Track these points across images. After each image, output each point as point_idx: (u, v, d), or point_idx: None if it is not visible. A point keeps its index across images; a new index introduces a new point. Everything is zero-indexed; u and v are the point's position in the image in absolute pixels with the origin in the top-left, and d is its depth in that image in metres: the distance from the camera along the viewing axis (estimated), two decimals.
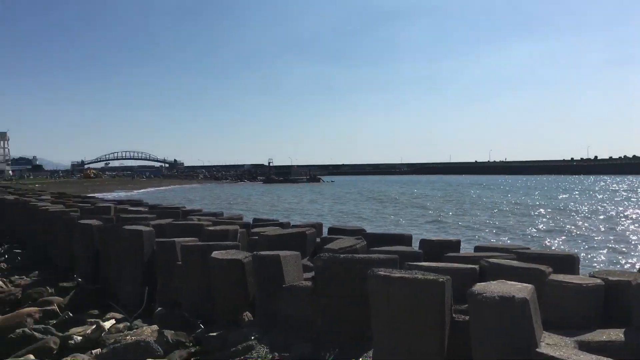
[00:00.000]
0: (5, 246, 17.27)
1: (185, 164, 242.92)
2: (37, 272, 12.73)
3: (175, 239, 8.87)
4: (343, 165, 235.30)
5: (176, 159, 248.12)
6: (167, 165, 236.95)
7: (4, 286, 11.27)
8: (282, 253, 6.81)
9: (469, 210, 44.01)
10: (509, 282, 4.65)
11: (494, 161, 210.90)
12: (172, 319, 7.57)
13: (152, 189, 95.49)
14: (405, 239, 9.22)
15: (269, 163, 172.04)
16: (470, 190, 76.78)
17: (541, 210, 42.43)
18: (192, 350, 6.52)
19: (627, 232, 27.62)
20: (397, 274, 4.79)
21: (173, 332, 6.84)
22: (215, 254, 7.44)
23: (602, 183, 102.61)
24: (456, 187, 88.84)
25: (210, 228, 10.04)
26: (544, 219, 35.10)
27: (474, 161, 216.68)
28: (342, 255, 6.12)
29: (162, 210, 14.77)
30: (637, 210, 41.53)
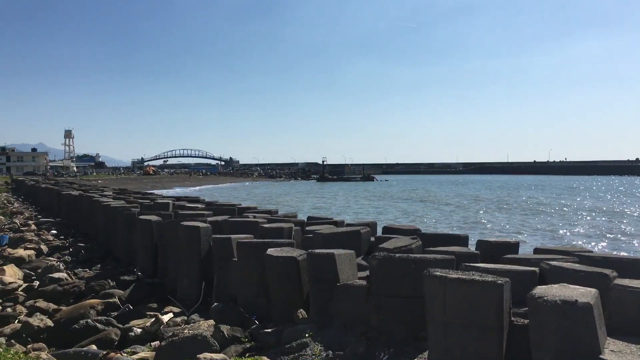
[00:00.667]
0: (70, 240, 17.97)
1: (241, 162, 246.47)
2: (99, 265, 13.19)
3: (231, 236, 9.00)
4: (397, 164, 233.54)
5: (232, 156, 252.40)
6: (222, 162, 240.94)
7: (68, 278, 11.73)
8: (336, 251, 6.81)
9: (516, 211, 42.89)
10: (571, 286, 4.52)
11: (554, 161, 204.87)
12: (228, 314, 7.68)
13: (208, 186, 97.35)
14: (462, 240, 9.08)
15: (323, 162, 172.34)
16: (527, 192, 74.72)
17: (598, 212, 40.92)
18: (248, 345, 6.60)
19: None
20: (453, 274, 4.71)
21: (229, 327, 6.94)
22: (271, 251, 7.51)
23: None
24: (511, 189, 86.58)
25: (265, 225, 10.15)
26: (601, 222, 33.84)
27: (532, 161, 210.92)
28: (397, 255, 6.07)
29: (219, 207, 15.02)
30: None
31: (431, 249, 7.46)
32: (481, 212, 41.82)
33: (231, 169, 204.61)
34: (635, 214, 39.48)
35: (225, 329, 6.85)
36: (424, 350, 5.22)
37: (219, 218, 11.58)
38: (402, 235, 8.79)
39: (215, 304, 8.27)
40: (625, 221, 34.39)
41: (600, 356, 3.91)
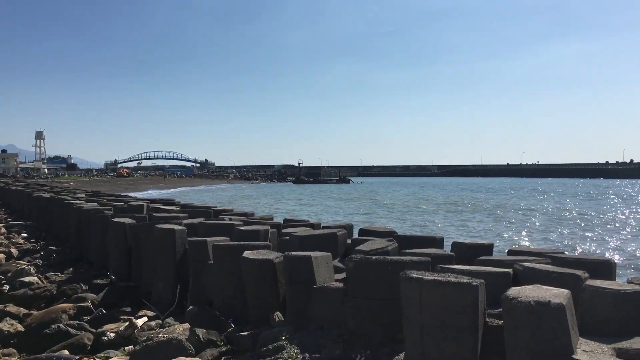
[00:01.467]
0: (41, 243, 17.67)
1: (216, 164, 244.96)
2: (71, 269, 12.99)
3: (207, 239, 8.94)
4: (373, 166, 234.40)
5: (207, 158, 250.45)
6: (198, 164, 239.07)
7: (39, 282, 11.53)
8: (313, 254, 6.81)
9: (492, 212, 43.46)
10: (545, 287, 4.58)
11: (526, 164, 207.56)
12: (203, 318, 7.63)
13: (183, 188, 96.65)
14: (437, 242, 9.14)
15: (299, 164, 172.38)
16: (502, 195, 75.68)
17: (573, 214, 41.64)
18: (223, 349, 6.56)
19: None
20: (429, 276, 4.75)
21: (204, 330, 6.89)
22: (247, 253, 7.48)
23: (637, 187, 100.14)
24: (469, 190, 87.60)
25: (241, 228, 10.10)
26: (573, 223, 34.47)
27: (506, 164, 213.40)
28: (374, 257, 6.10)
29: (194, 210, 14.91)
30: None
31: (407, 251, 7.50)
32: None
33: (206, 171, 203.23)
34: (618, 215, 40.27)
35: (200, 332, 6.80)
36: (400, 352, 5.24)
37: (195, 220, 11.49)
38: (378, 238, 8.82)
39: (191, 307, 8.20)
40: (611, 222, 35.13)
41: (573, 356, 3.97)
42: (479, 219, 37.83)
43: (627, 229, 31.08)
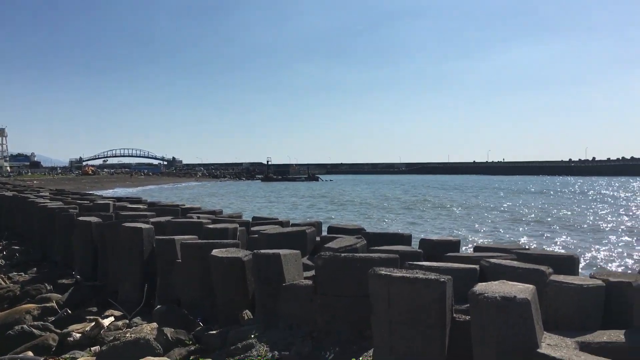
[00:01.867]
0: (4, 242, 17.26)
1: (184, 162, 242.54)
2: (35, 269, 12.72)
3: (174, 237, 8.86)
4: (342, 164, 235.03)
5: (174, 156, 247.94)
6: (165, 162, 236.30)
7: (2, 282, 11.27)
8: (282, 251, 6.80)
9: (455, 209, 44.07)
10: (510, 282, 4.66)
11: (492, 161, 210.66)
12: (171, 317, 7.56)
13: (150, 186, 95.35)
14: (405, 239, 9.22)
15: (268, 162, 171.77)
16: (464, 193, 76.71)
17: (534, 210, 42.45)
18: (192, 348, 6.51)
19: (624, 234, 27.62)
20: (398, 273, 4.79)
21: (173, 329, 6.83)
22: (215, 252, 7.44)
23: (599, 184, 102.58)
24: (450, 189, 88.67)
25: (209, 226, 10.03)
26: (535, 220, 35.14)
27: (472, 161, 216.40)
28: (342, 254, 6.11)
29: (162, 208, 14.74)
30: (634, 212, 41.50)
31: (376, 248, 7.54)
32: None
33: (174, 169, 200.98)
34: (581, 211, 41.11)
35: (168, 331, 6.74)
36: (369, 348, 5.28)
37: (162, 219, 11.37)
38: (347, 235, 8.86)
39: (159, 306, 8.12)
40: (576, 219, 35.87)
41: (538, 350, 4.06)
42: (445, 216, 38.29)
43: (585, 225, 31.81)
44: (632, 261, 19.22)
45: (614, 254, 20.91)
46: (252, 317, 6.81)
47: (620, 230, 29.28)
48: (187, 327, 7.21)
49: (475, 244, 9.59)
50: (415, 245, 8.93)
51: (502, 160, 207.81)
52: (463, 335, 4.58)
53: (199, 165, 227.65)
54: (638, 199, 59.38)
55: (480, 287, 4.41)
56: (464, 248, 12.50)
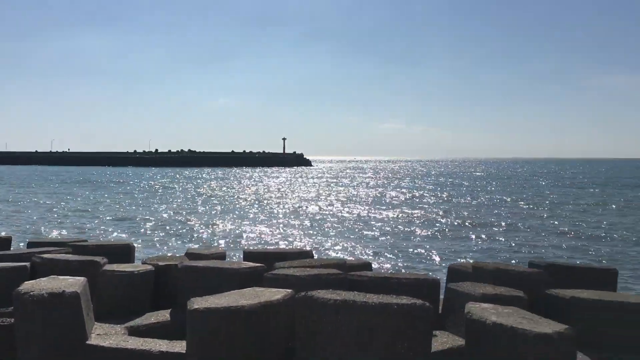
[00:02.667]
0: None
1: None
2: None
3: None
4: None
5: None
6: None
7: None
8: None
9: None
10: (61, 277, 4.55)
11: (56, 151, 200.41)
12: None
13: None
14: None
15: None
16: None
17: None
18: None
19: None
20: None
21: None
22: None
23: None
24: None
25: None
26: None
27: (35, 151, 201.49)
28: None
29: None
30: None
31: None
32: None
33: None
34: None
35: None
36: None
37: None
38: None
39: None
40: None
41: (87, 342, 4.08)
42: None
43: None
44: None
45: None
46: None
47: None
48: None
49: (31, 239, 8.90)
50: None
51: (67, 151, 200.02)
52: (9, 340, 4.26)
53: None
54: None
55: (26, 285, 4.19)
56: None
